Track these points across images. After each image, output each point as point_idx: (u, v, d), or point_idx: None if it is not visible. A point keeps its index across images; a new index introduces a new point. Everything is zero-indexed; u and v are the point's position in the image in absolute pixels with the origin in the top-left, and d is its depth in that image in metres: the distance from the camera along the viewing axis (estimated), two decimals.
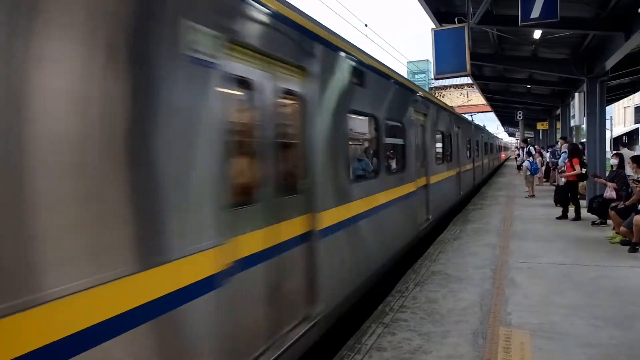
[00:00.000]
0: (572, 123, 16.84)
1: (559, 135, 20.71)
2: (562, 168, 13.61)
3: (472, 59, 11.12)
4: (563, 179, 11.47)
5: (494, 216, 12.48)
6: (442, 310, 5.44)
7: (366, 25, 29.38)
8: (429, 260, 7.81)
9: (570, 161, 11.51)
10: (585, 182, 13.64)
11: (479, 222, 11.56)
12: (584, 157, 12.99)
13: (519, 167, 25.46)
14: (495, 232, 10.20)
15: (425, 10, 12.00)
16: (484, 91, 26.74)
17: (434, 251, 8.53)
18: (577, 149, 12.27)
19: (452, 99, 54.47)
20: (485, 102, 36.10)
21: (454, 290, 6.18)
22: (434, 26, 11.96)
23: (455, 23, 10.90)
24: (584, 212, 11.21)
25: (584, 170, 11.76)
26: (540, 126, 33.28)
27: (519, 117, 31.18)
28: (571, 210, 11.41)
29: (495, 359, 4.17)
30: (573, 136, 19.34)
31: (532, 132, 44.93)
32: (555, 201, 13.61)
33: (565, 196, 11.69)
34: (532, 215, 12.28)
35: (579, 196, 13.65)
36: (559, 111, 23.63)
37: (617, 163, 10.26)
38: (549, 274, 6.74)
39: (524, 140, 26.76)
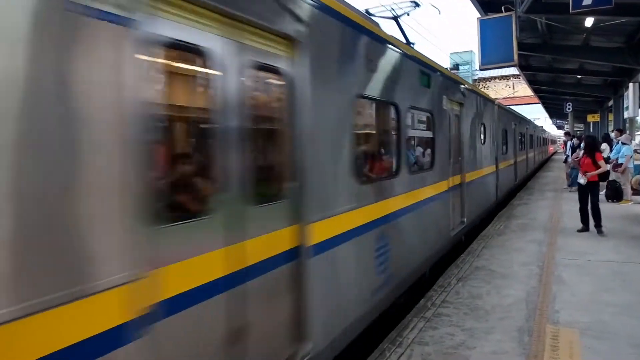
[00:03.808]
0: (626, 115, 16.10)
1: (611, 128, 19.73)
2: (615, 162, 13.02)
3: (519, 49, 10.81)
4: (583, 180, 9.16)
5: (541, 212, 12.10)
6: (486, 306, 5.36)
7: (408, 14, 28.81)
8: (472, 256, 7.68)
9: (591, 157, 9.20)
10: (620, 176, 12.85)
11: (524, 218, 11.25)
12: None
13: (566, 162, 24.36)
14: (541, 228, 9.90)
15: None
16: (531, 82, 25.91)
17: (478, 246, 8.37)
18: (597, 141, 10.90)
19: (497, 91, 52.90)
20: (533, 94, 34.94)
21: (499, 286, 6.06)
22: (479, 15, 11.68)
23: (501, 12, 10.60)
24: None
25: (608, 167, 10.38)
26: (590, 118, 31.76)
27: (568, 109, 29.79)
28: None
29: (542, 357, 4.08)
30: (627, 129, 18.41)
31: (582, 125, 43.08)
32: (606, 196, 13.07)
33: (586, 201, 9.33)
34: None
35: (632, 192, 13.06)
36: (611, 102, 22.55)
37: None
38: (599, 272, 6.50)
39: (567, 134, 24.57)
